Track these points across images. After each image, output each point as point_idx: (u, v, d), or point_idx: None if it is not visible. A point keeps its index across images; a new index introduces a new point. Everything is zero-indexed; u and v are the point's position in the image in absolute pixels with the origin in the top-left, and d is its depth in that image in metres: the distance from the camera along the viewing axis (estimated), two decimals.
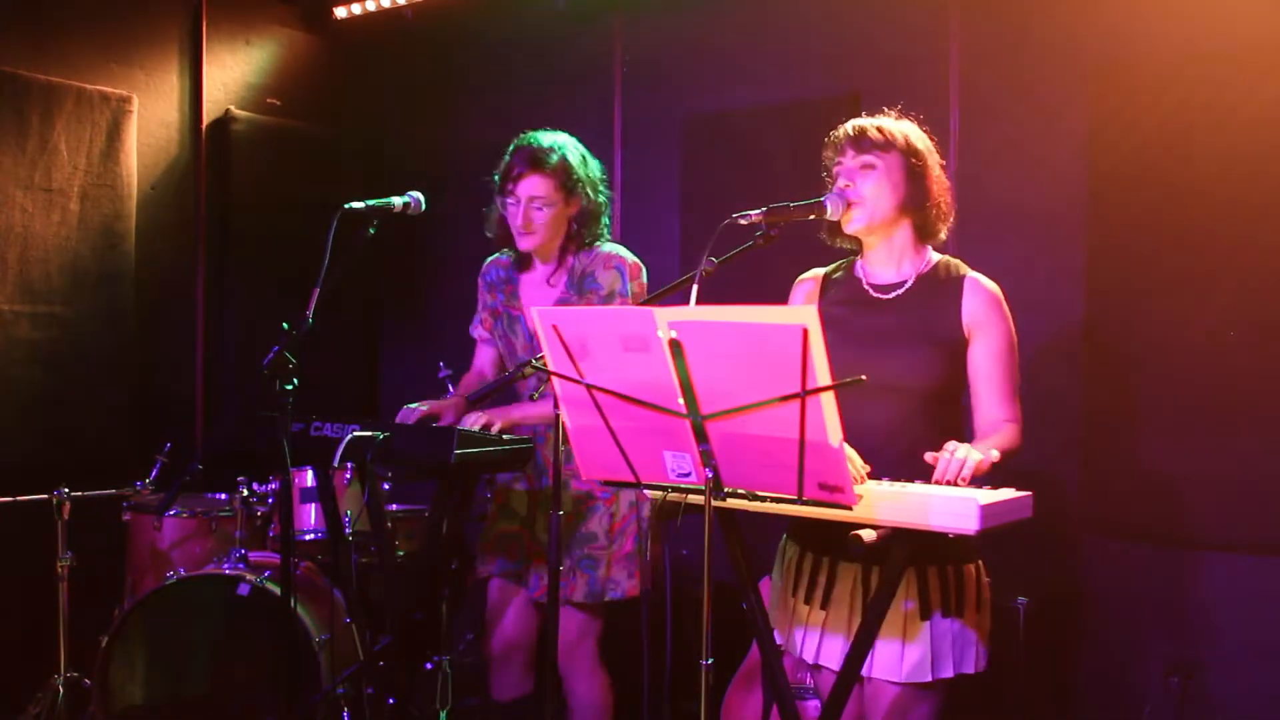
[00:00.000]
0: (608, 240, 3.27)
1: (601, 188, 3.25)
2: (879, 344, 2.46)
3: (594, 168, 3.24)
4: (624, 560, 3.22)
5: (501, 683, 3.44)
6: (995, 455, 2.26)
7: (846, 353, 2.20)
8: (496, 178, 3.22)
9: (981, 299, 2.48)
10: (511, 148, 3.20)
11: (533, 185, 3.12)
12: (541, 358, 2.18)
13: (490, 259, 3.42)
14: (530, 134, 3.21)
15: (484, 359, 3.46)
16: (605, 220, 3.26)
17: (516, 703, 3.45)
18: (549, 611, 2.77)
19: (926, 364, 2.45)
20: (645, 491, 2.26)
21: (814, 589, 2.52)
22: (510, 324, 3.34)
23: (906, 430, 2.43)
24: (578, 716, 3.32)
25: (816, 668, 2.54)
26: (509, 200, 3.16)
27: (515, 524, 3.30)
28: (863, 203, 2.48)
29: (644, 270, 3.25)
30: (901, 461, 2.34)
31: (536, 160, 3.12)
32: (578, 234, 3.21)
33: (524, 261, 3.31)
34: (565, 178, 3.14)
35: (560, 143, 3.18)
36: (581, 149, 3.24)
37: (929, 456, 2.24)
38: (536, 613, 3.35)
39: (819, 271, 2.69)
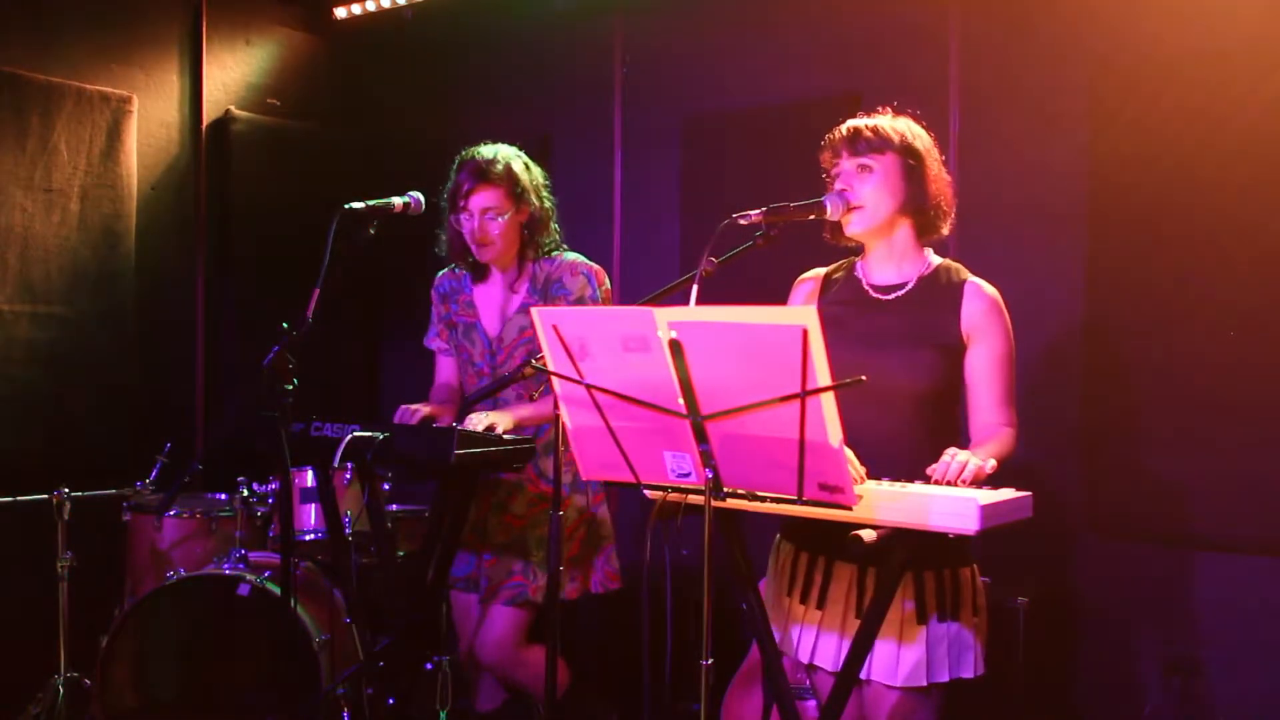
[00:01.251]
0: (565, 248, 3.33)
1: (545, 193, 3.31)
2: (878, 345, 2.46)
3: (537, 174, 3.31)
4: (569, 564, 3.28)
5: (481, 692, 3.48)
6: (993, 464, 2.27)
7: (845, 353, 2.20)
8: (444, 198, 3.27)
9: (981, 304, 2.47)
10: (456, 165, 3.25)
11: (484, 198, 3.18)
12: (541, 358, 2.18)
13: (441, 272, 3.47)
14: (471, 149, 3.27)
15: (447, 370, 3.49)
16: (555, 226, 3.32)
17: (496, 712, 3.46)
18: (548, 613, 2.77)
19: (924, 366, 2.45)
20: (645, 491, 2.26)
21: (809, 589, 2.52)
22: (467, 331, 3.37)
23: (903, 432, 2.43)
24: (537, 695, 3.33)
25: (811, 668, 2.54)
26: (463, 215, 3.22)
27: (465, 530, 3.30)
28: (862, 207, 2.48)
29: (607, 276, 3.32)
30: (898, 463, 2.33)
31: (484, 172, 3.18)
32: (531, 240, 3.27)
33: (480, 272, 3.36)
34: (513, 186, 3.20)
35: (503, 153, 3.25)
36: (523, 157, 3.30)
37: (929, 470, 2.24)
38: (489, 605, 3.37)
39: (819, 271, 2.69)
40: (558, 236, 3.34)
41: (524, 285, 3.30)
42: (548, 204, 3.31)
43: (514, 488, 3.27)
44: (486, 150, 3.25)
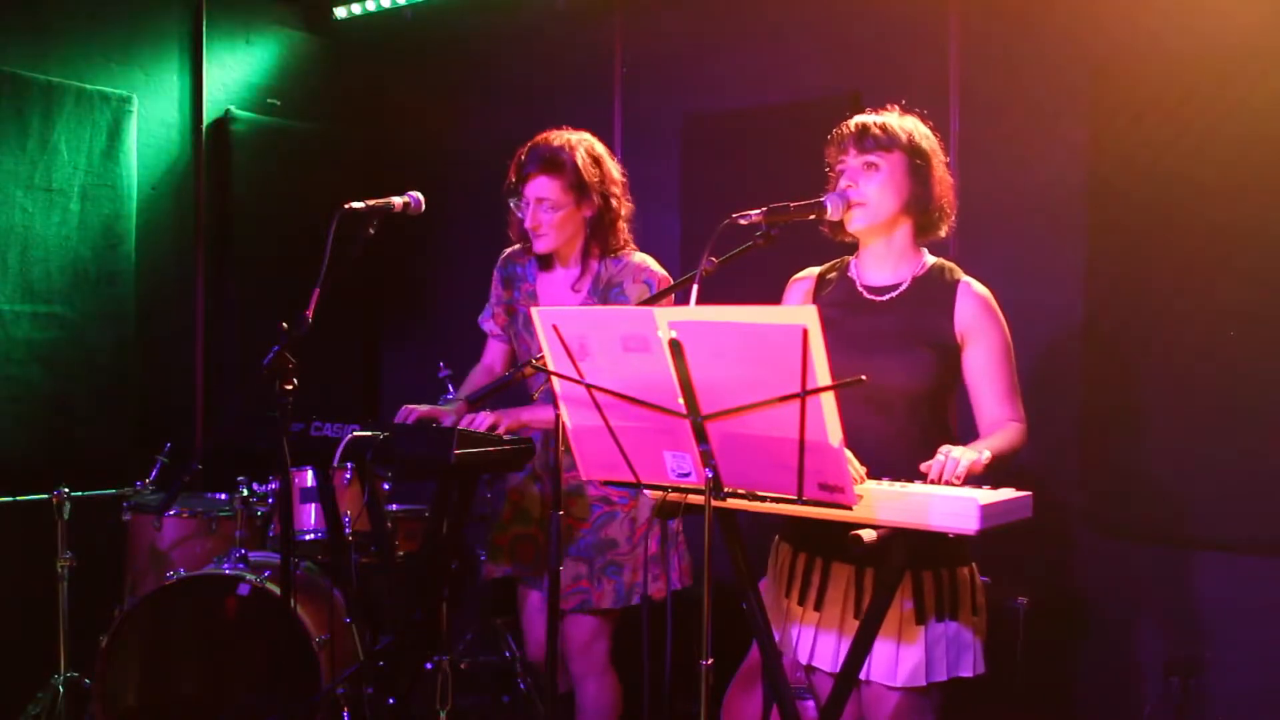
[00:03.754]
0: (634, 248, 3.19)
1: (617, 191, 3.14)
2: (871, 346, 2.45)
3: (610, 170, 3.13)
4: (650, 563, 3.16)
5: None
6: (987, 457, 2.26)
7: (839, 355, 2.19)
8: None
9: (974, 304, 2.47)
10: (526, 147, 3.11)
11: (539, 186, 3.04)
12: (541, 357, 2.18)
13: (510, 250, 3.31)
14: (546, 134, 3.12)
15: (495, 354, 3.37)
16: (625, 225, 3.17)
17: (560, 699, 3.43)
18: (549, 615, 2.76)
19: (919, 367, 2.45)
20: (645, 491, 2.26)
21: (807, 590, 2.52)
22: (527, 324, 3.22)
23: (899, 433, 2.43)
24: (587, 717, 3.30)
25: (810, 669, 2.54)
26: (521, 201, 3.09)
27: (530, 526, 3.25)
28: (865, 203, 2.47)
29: (671, 282, 3.17)
30: (893, 464, 2.33)
31: (544, 160, 3.04)
32: (598, 238, 3.12)
33: (545, 261, 3.22)
34: (574, 179, 3.04)
35: (572, 142, 3.09)
36: (598, 150, 3.13)
37: (923, 466, 2.24)
38: (562, 614, 3.33)
39: (813, 271, 2.68)
40: (627, 236, 3.18)
41: (586, 284, 3.15)
42: (614, 203, 3.12)
43: (573, 491, 3.14)
44: (556, 138, 3.09)
